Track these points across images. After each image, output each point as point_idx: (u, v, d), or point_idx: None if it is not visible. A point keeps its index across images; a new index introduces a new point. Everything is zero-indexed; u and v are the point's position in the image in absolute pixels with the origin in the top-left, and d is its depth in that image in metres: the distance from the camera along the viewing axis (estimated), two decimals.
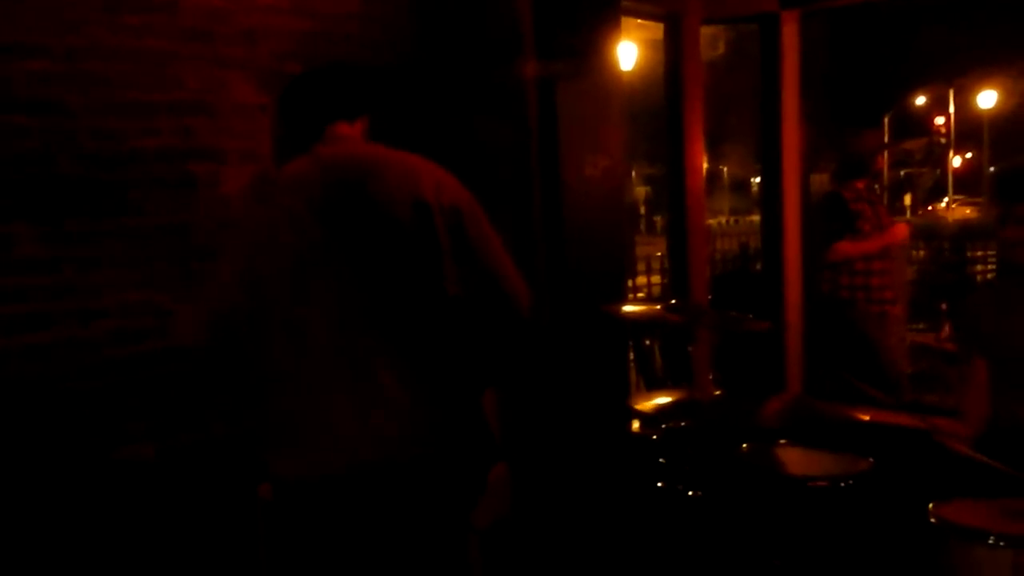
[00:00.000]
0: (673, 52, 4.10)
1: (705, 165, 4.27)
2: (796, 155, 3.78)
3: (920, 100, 29.56)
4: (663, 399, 2.48)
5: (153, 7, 2.74)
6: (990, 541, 1.85)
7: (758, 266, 4.87)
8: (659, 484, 2.25)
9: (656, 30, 4.83)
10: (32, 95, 2.54)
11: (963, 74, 25.17)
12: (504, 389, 2.00)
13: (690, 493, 2.20)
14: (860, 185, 4.26)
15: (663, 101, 4.43)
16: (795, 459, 2.23)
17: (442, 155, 1.96)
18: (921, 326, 5.80)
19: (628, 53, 6.40)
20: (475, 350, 1.85)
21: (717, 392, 2.47)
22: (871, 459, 2.19)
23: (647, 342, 2.93)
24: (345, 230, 1.80)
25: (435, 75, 3.28)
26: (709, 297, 3.91)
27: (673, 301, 2.81)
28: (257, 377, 1.87)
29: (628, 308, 2.75)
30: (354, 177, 1.84)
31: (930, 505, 1.96)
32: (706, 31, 4.37)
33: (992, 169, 21.90)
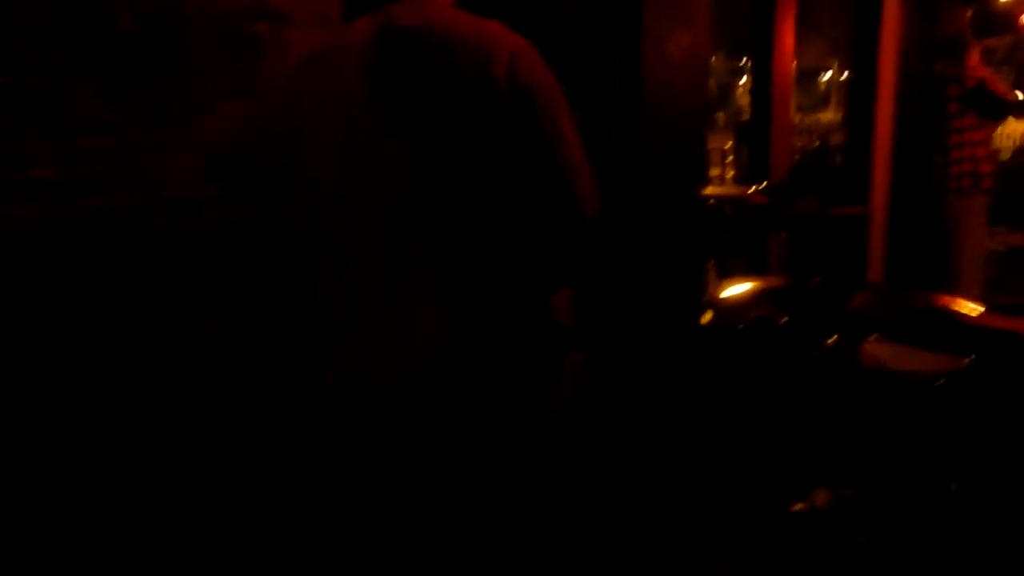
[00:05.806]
0: None
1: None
2: (895, 40, 3.52)
3: None
4: (744, 286, 2.35)
5: None
6: None
7: (837, 159, 4.63)
8: (741, 377, 2.15)
9: None
10: None
11: None
12: (573, 285, 1.85)
13: (774, 388, 2.10)
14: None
15: None
16: (889, 354, 2.10)
17: (516, 25, 1.78)
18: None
19: None
20: (535, 249, 1.66)
21: (805, 280, 2.32)
22: (971, 357, 2.06)
23: (724, 228, 2.78)
24: (400, 107, 1.62)
25: None
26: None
27: (763, 184, 2.65)
28: (304, 259, 1.75)
29: (715, 190, 2.60)
30: (417, 48, 1.62)
31: None
32: None
33: None
